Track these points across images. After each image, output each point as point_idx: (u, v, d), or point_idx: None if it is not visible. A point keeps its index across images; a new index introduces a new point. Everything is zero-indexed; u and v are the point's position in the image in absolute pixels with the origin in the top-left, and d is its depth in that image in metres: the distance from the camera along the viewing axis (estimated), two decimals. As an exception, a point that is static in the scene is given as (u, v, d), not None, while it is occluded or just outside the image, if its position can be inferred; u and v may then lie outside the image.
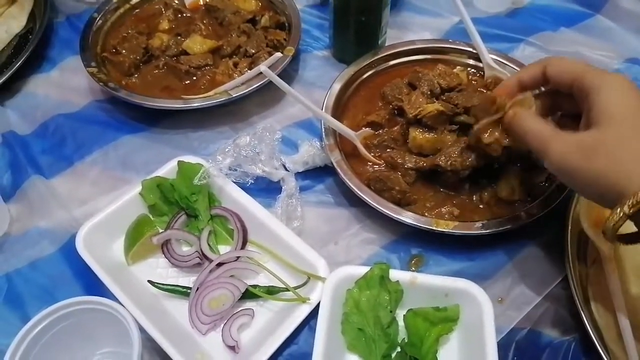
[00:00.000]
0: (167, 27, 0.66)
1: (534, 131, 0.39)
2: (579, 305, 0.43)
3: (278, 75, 0.58)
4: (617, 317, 0.43)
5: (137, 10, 0.69)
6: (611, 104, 0.37)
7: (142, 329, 0.41)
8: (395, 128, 0.55)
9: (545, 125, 0.40)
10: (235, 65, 0.60)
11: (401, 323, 0.43)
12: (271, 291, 0.45)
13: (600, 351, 0.40)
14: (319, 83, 0.62)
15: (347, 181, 0.50)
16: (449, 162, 0.48)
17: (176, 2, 0.69)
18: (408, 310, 0.43)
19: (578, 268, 0.47)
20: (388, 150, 0.54)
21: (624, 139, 0.35)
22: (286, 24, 0.65)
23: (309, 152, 0.53)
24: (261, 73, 0.51)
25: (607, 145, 0.35)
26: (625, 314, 0.43)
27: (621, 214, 0.34)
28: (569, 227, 0.47)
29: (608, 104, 0.37)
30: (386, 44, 0.64)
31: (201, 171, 0.49)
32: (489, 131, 0.45)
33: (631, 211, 0.34)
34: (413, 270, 0.47)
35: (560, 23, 0.69)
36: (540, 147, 0.39)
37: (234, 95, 0.56)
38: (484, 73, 0.60)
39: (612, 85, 0.37)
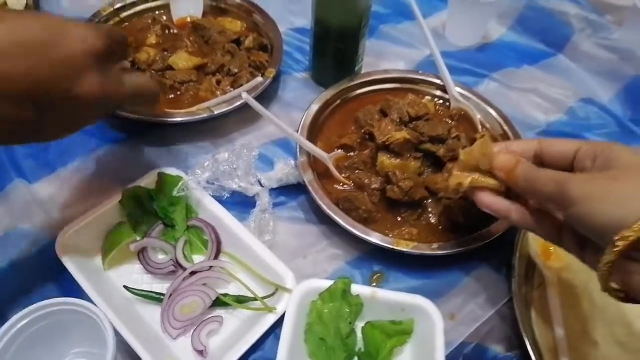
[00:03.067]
0: (154, 42, 0.69)
1: (546, 175, 0.39)
2: (521, 325, 0.47)
3: (259, 95, 0.62)
4: (555, 337, 0.48)
5: (125, 24, 0.71)
6: (624, 155, 0.37)
7: (115, 332, 0.43)
8: (366, 151, 0.59)
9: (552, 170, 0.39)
10: (218, 82, 0.64)
11: (360, 334, 0.47)
12: (240, 300, 0.48)
13: None
14: (297, 104, 0.66)
15: (318, 200, 0.53)
16: (394, 191, 0.53)
17: (164, 18, 0.72)
18: (366, 323, 0.47)
19: (524, 289, 0.51)
20: (357, 171, 0.57)
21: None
22: (269, 46, 0.69)
23: (284, 170, 0.57)
24: (243, 92, 0.54)
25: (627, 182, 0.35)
26: (562, 334, 0.48)
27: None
28: (517, 253, 0.52)
29: (621, 155, 0.37)
30: (362, 71, 0.69)
31: (180, 183, 0.51)
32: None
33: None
34: (374, 286, 0.51)
35: (524, 60, 0.74)
36: (557, 188, 0.37)
37: (215, 113, 0.59)
38: (449, 104, 0.65)
39: (620, 145, 0.38)
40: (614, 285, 0.36)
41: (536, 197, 0.40)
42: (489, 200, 0.44)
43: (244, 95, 0.48)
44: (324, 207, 0.53)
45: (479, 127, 0.62)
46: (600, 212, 0.34)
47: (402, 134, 0.55)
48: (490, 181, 0.44)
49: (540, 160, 0.43)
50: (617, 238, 0.33)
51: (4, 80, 0.34)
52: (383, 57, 0.73)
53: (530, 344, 0.46)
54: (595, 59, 0.74)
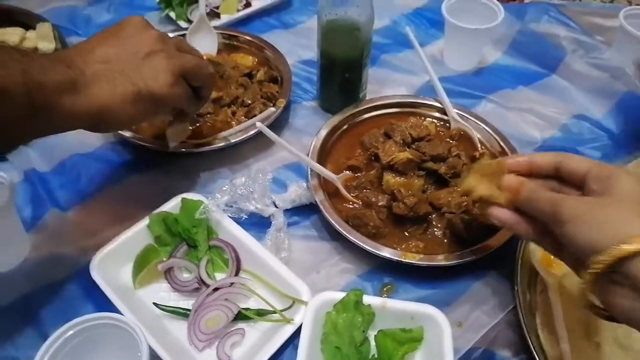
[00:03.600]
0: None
1: (544, 197, 0.42)
2: (526, 331, 0.50)
3: (271, 123, 0.67)
4: (559, 341, 0.50)
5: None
6: (624, 182, 0.39)
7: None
8: (372, 172, 0.63)
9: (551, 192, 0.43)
10: (234, 113, 0.69)
11: (373, 342, 0.50)
12: (260, 313, 0.52)
13: None
14: (307, 130, 0.71)
15: (329, 218, 0.57)
16: (400, 207, 0.57)
17: (183, 56, 0.79)
18: (379, 331, 0.50)
19: (529, 296, 0.54)
20: (365, 190, 0.61)
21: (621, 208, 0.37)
22: (279, 78, 0.74)
23: (297, 191, 0.61)
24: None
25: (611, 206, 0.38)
26: (566, 339, 0.50)
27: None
28: (519, 261, 0.55)
29: (621, 182, 0.39)
30: (367, 97, 0.74)
31: (201, 207, 0.56)
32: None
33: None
34: (385, 297, 0.54)
35: (519, 82, 0.79)
36: (552, 208, 0.40)
37: (232, 141, 0.64)
38: (450, 125, 0.69)
39: (624, 172, 0.41)
40: (597, 303, 0.39)
41: (536, 216, 0.43)
42: (499, 214, 0.46)
43: (258, 124, 0.53)
44: (335, 224, 0.57)
45: (479, 145, 0.66)
46: (582, 235, 0.37)
47: (405, 154, 0.59)
48: (501, 198, 0.47)
49: (559, 174, 0.45)
50: (593, 261, 0.36)
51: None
52: (386, 84, 0.78)
53: (534, 349, 0.49)
54: (588, 78, 0.78)
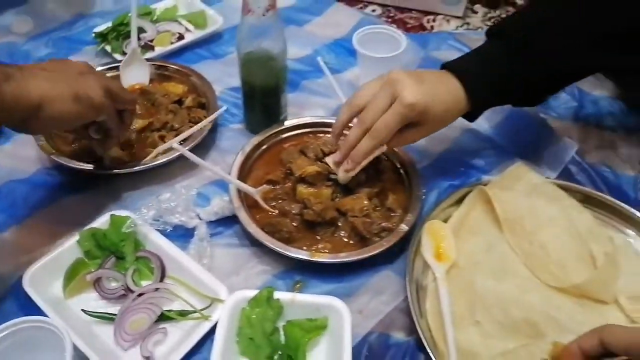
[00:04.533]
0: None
1: None
2: (414, 315, 0.57)
3: (199, 144, 0.74)
4: (444, 322, 0.58)
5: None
6: None
7: (76, 348, 0.52)
8: (288, 184, 0.71)
9: None
10: (162, 138, 0.75)
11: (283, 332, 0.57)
12: (182, 314, 0.58)
13: (427, 348, 0.54)
14: (233, 150, 0.77)
15: (247, 227, 0.64)
16: (310, 214, 0.64)
17: (116, 86, 0.85)
18: (287, 322, 0.57)
19: (423, 284, 0.62)
20: (281, 201, 0.69)
21: None
22: (206, 104, 0.82)
23: (219, 204, 0.68)
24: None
25: None
26: (450, 319, 0.58)
27: None
28: (411, 257, 0.63)
29: None
30: (288, 119, 0.82)
31: (128, 221, 0.62)
32: None
33: None
34: (296, 292, 0.61)
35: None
36: None
37: (154, 163, 0.70)
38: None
39: None
40: None
41: None
42: None
43: (175, 145, 0.60)
44: (252, 232, 0.64)
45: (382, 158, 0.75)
46: None
47: (313, 168, 0.67)
48: None
49: (607, 348, 0.45)
50: None
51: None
52: (305, 107, 0.86)
53: (422, 330, 0.56)
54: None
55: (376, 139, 0.61)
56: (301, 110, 0.85)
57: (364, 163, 0.66)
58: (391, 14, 1.14)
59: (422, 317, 0.59)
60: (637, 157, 0.81)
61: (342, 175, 0.66)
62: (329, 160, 0.67)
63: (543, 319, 0.56)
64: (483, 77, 0.65)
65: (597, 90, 0.92)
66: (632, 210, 0.68)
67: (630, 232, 0.68)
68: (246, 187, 0.68)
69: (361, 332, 0.58)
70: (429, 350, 0.54)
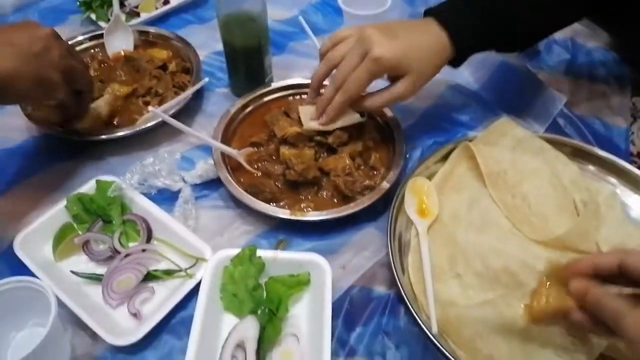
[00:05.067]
0: (92, 75, 0.81)
1: (609, 306, 0.41)
2: (394, 269, 0.58)
3: (184, 110, 0.74)
4: (424, 275, 0.59)
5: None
6: None
7: (66, 307, 0.54)
8: (271, 146, 0.71)
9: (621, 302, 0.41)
10: (147, 104, 0.76)
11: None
12: (168, 273, 0.59)
13: (407, 300, 0.54)
14: (219, 114, 0.77)
15: (230, 188, 0.65)
16: (292, 174, 0.65)
17: (101, 54, 0.85)
18: (270, 278, 0.58)
19: (404, 240, 0.63)
20: (264, 163, 0.69)
21: None
22: (191, 69, 0.81)
23: (203, 167, 0.68)
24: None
25: None
26: (429, 272, 0.59)
27: None
28: (393, 214, 0.63)
29: None
30: (274, 82, 0.81)
31: (113, 185, 0.63)
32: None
33: None
34: (281, 250, 0.62)
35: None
36: (615, 323, 0.40)
37: (137, 129, 0.71)
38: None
39: None
40: None
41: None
42: (578, 318, 0.45)
43: (151, 109, 0.61)
44: (234, 192, 0.64)
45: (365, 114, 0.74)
46: None
47: (295, 129, 0.67)
48: (571, 303, 0.46)
49: (623, 273, 0.43)
50: None
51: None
52: (292, 69, 0.86)
53: (401, 283, 0.57)
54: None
55: (347, 93, 0.63)
56: (288, 72, 0.85)
57: (340, 124, 0.67)
58: (380, -29, 1.11)
59: (404, 271, 0.60)
60: (629, 108, 0.80)
61: (310, 125, 0.67)
62: (300, 110, 0.69)
63: (522, 268, 0.57)
64: (465, 19, 0.64)
65: (591, 42, 0.90)
66: (620, 161, 0.68)
67: (619, 183, 0.67)
68: (229, 150, 0.68)
69: (344, 286, 0.59)
70: (407, 302, 0.55)
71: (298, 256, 0.59)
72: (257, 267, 0.58)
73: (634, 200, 0.66)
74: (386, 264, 0.61)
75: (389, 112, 0.74)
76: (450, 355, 0.50)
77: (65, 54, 0.61)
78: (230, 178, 0.66)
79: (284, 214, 0.62)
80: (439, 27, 0.64)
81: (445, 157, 0.69)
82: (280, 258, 0.59)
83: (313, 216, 0.63)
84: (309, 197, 0.66)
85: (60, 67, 0.60)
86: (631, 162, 0.70)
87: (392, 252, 0.59)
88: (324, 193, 0.67)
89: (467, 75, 0.83)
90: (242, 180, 0.68)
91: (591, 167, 0.69)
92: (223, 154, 0.69)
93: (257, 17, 0.72)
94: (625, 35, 0.84)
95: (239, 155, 0.68)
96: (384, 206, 0.65)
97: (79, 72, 0.65)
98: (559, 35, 0.90)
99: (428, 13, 0.66)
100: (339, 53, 0.63)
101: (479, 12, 0.64)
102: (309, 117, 0.68)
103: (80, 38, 0.86)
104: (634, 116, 0.79)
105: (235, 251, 0.59)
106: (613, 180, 0.68)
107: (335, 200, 0.66)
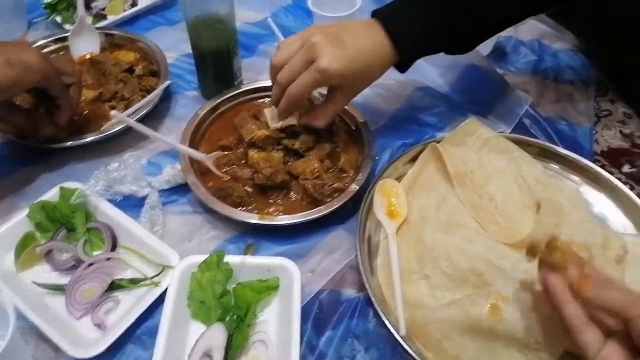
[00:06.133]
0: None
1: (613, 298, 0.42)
2: (362, 271, 0.58)
3: (151, 113, 0.73)
4: (393, 278, 0.59)
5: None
6: None
7: (27, 320, 0.52)
8: (240, 150, 0.70)
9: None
10: (113, 108, 0.74)
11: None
12: (133, 281, 0.58)
13: (375, 304, 0.54)
14: (188, 117, 0.76)
15: (199, 194, 0.64)
16: (260, 177, 0.64)
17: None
18: (238, 284, 0.58)
19: (371, 243, 0.63)
20: (233, 166, 0.69)
21: None
22: (158, 72, 0.80)
23: (170, 172, 0.67)
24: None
25: None
26: (398, 274, 0.59)
27: None
28: (362, 216, 0.63)
29: None
30: (244, 84, 0.80)
31: (76, 193, 0.61)
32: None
33: None
34: (250, 255, 0.62)
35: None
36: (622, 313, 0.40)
37: (106, 134, 0.69)
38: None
39: None
40: None
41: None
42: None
43: (113, 113, 0.59)
44: (201, 196, 0.64)
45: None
46: None
47: (262, 132, 0.67)
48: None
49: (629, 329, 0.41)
50: None
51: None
52: (263, 71, 0.85)
53: (369, 286, 0.57)
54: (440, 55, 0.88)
55: (289, 99, 0.63)
56: (258, 75, 0.84)
57: (294, 121, 0.68)
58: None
59: (374, 273, 0.60)
60: (593, 108, 0.82)
61: (275, 125, 0.68)
62: (266, 112, 0.69)
63: (488, 268, 0.57)
64: (409, 23, 0.63)
65: (557, 43, 0.92)
66: (583, 160, 0.69)
67: (583, 182, 0.69)
68: (197, 154, 0.67)
69: (313, 289, 0.59)
70: (375, 304, 0.55)
71: (267, 261, 0.59)
72: (225, 273, 0.57)
73: (596, 197, 0.67)
74: (356, 266, 0.61)
75: (357, 114, 0.74)
76: (418, 357, 0.51)
77: (41, 60, 0.60)
78: (198, 183, 0.65)
79: (252, 218, 0.62)
80: (383, 32, 0.63)
81: (414, 159, 0.70)
82: (249, 263, 0.58)
83: (282, 220, 0.62)
84: (278, 200, 0.66)
85: (38, 52, 0.59)
86: (594, 161, 0.72)
87: (361, 254, 0.60)
88: (293, 196, 0.67)
89: (436, 76, 0.84)
90: (210, 184, 0.67)
91: (556, 166, 0.70)
92: (191, 158, 0.68)
93: (224, 20, 0.72)
94: (589, 35, 0.86)
95: (207, 159, 0.67)
96: (354, 208, 0.65)
97: (63, 62, 0.64)
98: (526, 36, 0.92)
99: (375, 14, 0.65)
100: (282, 57, 0.63)
101: (422, 19, 0.63)
102: (275, 118, 0.67)
103: (44, 41, 0.84)
104: (598, 116, 0.81)
105: (202, 257, 0.58)
106: (576, 178, 0.69)
107: (305, 204, 0.66)
